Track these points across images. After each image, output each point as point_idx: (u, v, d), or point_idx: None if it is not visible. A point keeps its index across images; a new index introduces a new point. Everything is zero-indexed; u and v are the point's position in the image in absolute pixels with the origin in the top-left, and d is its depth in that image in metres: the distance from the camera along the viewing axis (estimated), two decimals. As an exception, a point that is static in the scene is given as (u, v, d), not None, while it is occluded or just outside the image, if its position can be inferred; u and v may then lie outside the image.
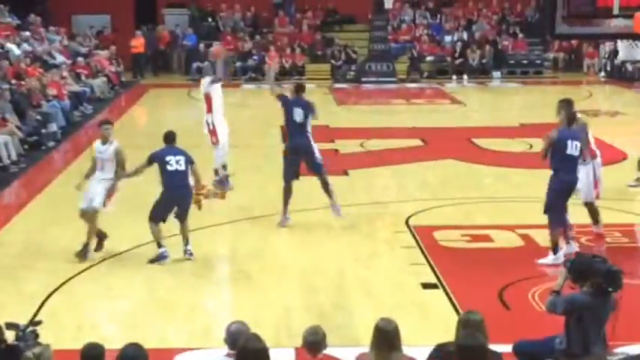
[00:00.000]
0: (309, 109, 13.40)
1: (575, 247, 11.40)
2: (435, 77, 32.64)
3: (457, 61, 33.22)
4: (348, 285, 10.98)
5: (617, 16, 10.01)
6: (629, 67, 31.65)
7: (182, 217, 11.73)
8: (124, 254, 12.02)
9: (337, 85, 31.65)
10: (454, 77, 32.66)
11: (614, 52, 32.76)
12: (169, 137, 11.92)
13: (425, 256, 11.95)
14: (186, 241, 11.73)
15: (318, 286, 10.84)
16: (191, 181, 11.80)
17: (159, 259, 11.55)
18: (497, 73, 33.53)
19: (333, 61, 33.47)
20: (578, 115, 11.91)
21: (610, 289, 7.17)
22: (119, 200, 12.59)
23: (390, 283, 11.04)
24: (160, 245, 11.63)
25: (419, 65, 33.13)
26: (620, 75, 32.09)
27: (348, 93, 30.12)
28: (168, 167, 11.57)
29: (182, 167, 11.62)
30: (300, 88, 13.73)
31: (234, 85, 31.68)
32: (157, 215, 11.66)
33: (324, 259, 11.91)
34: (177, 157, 11.63)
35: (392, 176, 17.28)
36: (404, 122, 23.08)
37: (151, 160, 11.79)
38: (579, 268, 7.31)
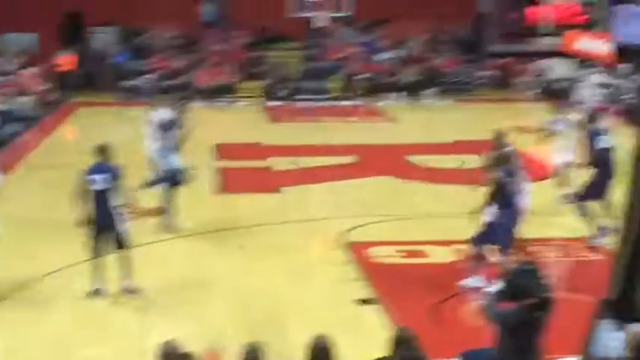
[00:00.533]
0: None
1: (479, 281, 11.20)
2: (368, 95, 32.69)
3: (390, 79, 33.33)
4: (282, 303, 10.86)
5: (546, 35, 10.07)
6: (559, 85, 32.04)
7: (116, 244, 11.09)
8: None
9: (270, 103, 31.53)
10: (387, 95, 32.76)
11: (544, 70, 33.17)
12: (100, 151, 11.21)
13: (360, 273, 11.88)
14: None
15: (252, 305, 10.72)
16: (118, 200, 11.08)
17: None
18: (430, 91, 33.67)
19: (266, 79, 33.35)
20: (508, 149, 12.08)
21: (543, 304, 7.15)
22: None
23: (325, 300, 10.95)
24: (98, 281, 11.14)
25: (352, 83, 33.18)
26: (550, 92, 32.45)
27: (281, 110, 30.02)
28: (93, 187, 10.93)
29: (108, 185, 10.95)
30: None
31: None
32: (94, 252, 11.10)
33: (258, 277, 11.79)
34: (104, 175, 10.96)
35: (326, 193, 17.19)
36: (337, 140, 23.02)
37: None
38: (514, 284, 7.26)
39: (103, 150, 11.21)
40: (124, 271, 11.07)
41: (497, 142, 12.59)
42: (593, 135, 13.36)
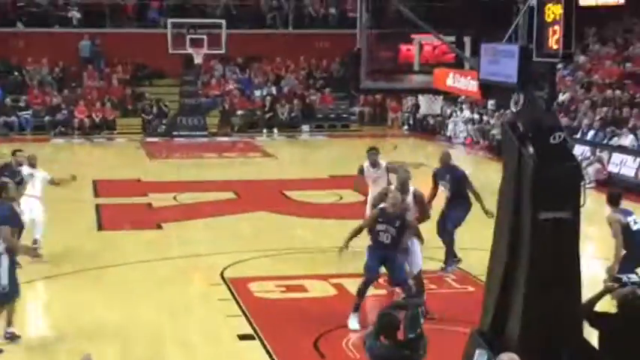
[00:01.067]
0: None
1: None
2: (245, 131, 33.03)
3: (267, 115, 33.77)
4: (163, 338, 10.99)
5: (417, 72, 10.57)
6: (431, 121, 33.03)
7: None
8: None
9: (149, 139, 31.52)
10: (264, 131, 33.17)
11: (416, 106, 34.08)
12: None
13: (240, 308, 12.10)
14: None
15: (135, 342, 10.79)
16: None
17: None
18: (306, 127, 34.25)
19: (144, 115, 33.36)
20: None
21: (410, 336, 7.46)
22: None
23: (207, 335, 11.12)
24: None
25: (230, 119, 33.47)
26: (422, 128, 33.44)
27: (159, 147, 30.06)
28: None
29: None
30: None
31: (43, 140, 31.02)
32: None
33: (139, 313, 11.86)
34: None
35: (206, 229, 17.38)
36: (216, 175, 23.23)
37: None
38: (386, 323, 7.53)
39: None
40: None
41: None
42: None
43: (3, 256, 10.41)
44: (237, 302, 12.34)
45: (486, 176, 15.80)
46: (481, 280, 11.18)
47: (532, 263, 7.92)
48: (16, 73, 34.90)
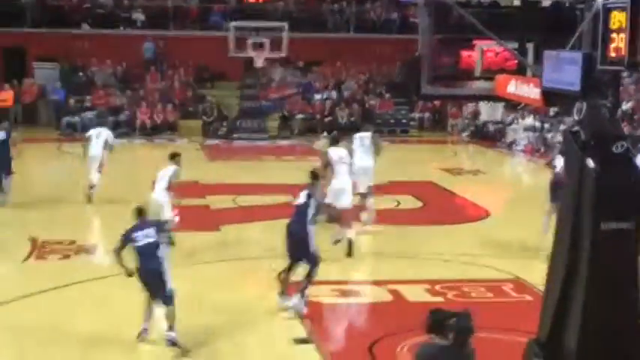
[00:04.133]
0: None
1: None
2: (304, 135, 33.07)
3: (326, 119, 33.79)
4: (219, 341, 11.03)
5: (478, 79, 10.49)
6: (491, 128, 32.79)
7: None
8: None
9: (209, 142, 31.74)
10: (323, 135, 33.17)
11: (476, 113, 33.91)
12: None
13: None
14: None
15: (189, 342, 10.77)
16: None
17: None
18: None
19: (204, 118, 33.59)
20: None
21: (459, 341, 7.39)
22: None
23: (262, 339, 11.14)
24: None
25: (289, 123, 33.57)
26: (482, 135, 33.20)
27: (219, 149, 30.24)
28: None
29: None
30: None
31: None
32: None
33: (196, 315, 11.90)
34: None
35: (264, 232, 17.39)
36: (275, 178, 23.28)
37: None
38: (435, 319, 7.48)
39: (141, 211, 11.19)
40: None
41: None
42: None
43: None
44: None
45: (546, 185, 15.65)
46: (539, 290, 11.06)
47: (591, 274, 7.82)
48: (80, 74, 35.42)
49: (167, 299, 10.58)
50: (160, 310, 10.79)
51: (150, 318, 10.89)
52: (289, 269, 12.12)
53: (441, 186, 22.49)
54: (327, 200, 14.08)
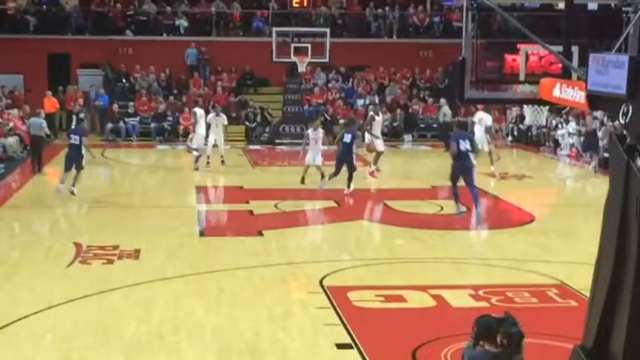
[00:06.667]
0: None
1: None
2: (347, 140, 32.98)
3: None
4: (262, 346, 11.02)
5: (523, 82, 10.39)
6: (535, 132, 32.54)
7: None
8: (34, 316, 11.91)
9: (252, 147, 31.84)
10: (366, 140, 33.10)
11: (521, 117, 33.67)
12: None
13: (339, 317, 12.06)
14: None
15: (233, 347, 10.86)
16: None
17: None
18: (408, 136, 34.14)
19: (247, 123, 33.72)
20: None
21: (509, 351, 7.31)
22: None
23: (304, 344, 11.11)
24: None
25: (332, 128, 33.56)
26: (527, 139, 32.95)
27: (262, 154, 30.33)
28: None
29: None
30: None
31: (149, 146, 31.68)
32: None
33: (238, 320, 11.94)
34: None
35: (306, 237, 17.43)
36: (316, 184, 23.26)
37: None
38: (484, 326, 7.42)
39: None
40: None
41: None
42: None
43: None
44: (336, 311, 12.30)
45: (593, 189, 15.50)
46: (585, 295, 10.93)
47: (638, 279, 7.70)
48: (124, 81, 35.71)
49: None
50: None
51: None
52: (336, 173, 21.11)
53: (484, 190, 22.35)
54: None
